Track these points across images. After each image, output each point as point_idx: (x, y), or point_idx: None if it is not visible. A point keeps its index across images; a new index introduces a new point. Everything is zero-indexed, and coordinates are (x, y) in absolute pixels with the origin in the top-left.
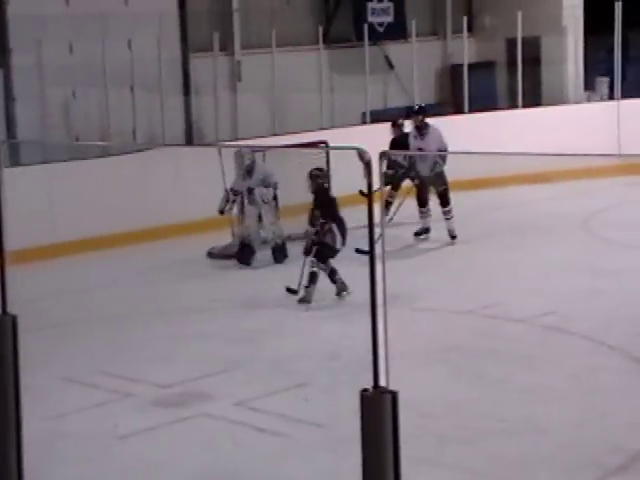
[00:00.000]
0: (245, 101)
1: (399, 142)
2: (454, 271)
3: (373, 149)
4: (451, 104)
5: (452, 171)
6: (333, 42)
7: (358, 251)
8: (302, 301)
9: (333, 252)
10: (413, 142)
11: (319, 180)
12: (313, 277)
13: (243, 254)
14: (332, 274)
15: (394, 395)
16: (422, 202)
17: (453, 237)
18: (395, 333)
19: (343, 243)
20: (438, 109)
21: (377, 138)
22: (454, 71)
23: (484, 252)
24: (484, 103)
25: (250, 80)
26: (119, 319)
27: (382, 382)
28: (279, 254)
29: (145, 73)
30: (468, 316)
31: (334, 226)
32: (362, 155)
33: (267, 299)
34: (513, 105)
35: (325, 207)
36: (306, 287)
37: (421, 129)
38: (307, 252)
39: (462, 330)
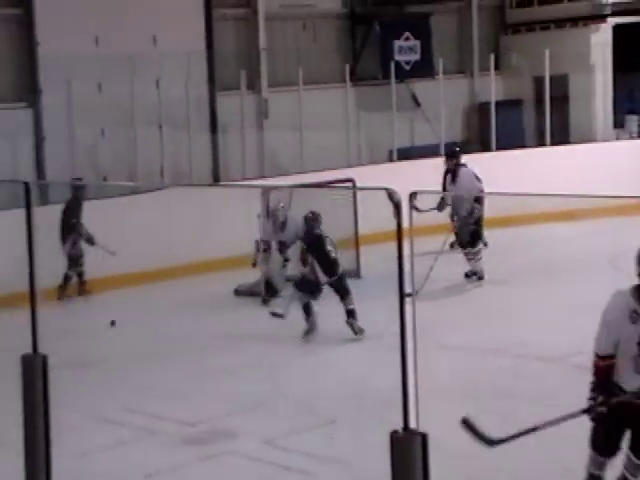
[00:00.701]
0: (272, 139)
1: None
2: (482, 308)
3: (400, 187)
4: (478, 142)
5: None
6: (360, 80)
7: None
8: (306, 334)
9: (313, 286)
10: (448, 186)
11: (310, 222)
12: (305, 309)
13: (268, 292)
14: (306, 308)
15: (424, 437)
16: (464, 244)
17: (480, 278)
18: (422, 371)
19: (328, 279)
20: (465, 147)
21: (404, 176)
22: (481, 109)
23: (513, 290)
24: (511, 141)
25: (277, 118)
26: (145, 356)
27: (412, 424)
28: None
29: (173, 112)
30: (496, 354)
31: (315, 262)
32: (392, 195)
33: (292, 335)
34: (541, 143)
35: (310, 245)
36: (306, 320)
37: (454, 173)
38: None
39: (491, 369)
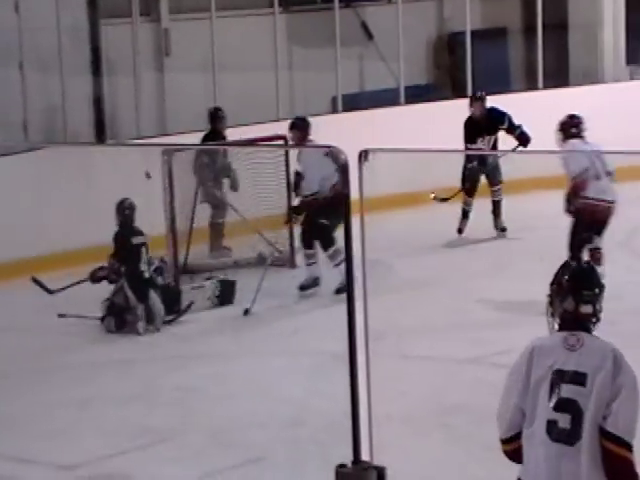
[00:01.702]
0: (175, 83)
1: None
2: (455, 306)
3: (347, 146)
4: (449, 85)
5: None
6: (292, 4)
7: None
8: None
9: None
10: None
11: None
12: None
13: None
14: None
15: (380, 472)
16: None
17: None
18: (380, 390)
19: None
20: (432, 92)
21: (352, 131)
22: (453, 41)
23: (492, 282)
24: (493, 83)
25: (182, 55)
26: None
27: (364, 455)
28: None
29: (39, 47)
30: (474, 366)
31: None
32: (336, 156)
33: (203, 350)
34: (531, 86)
35: None
36: None
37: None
38: None
39: (467, 385)
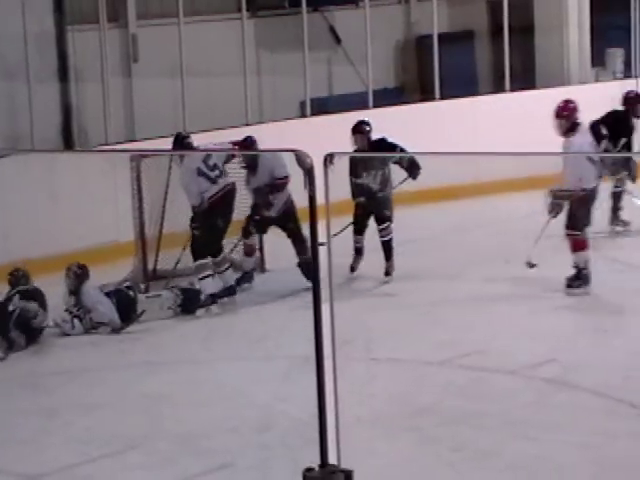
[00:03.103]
0: (143, 89)
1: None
2: (422, 309)
3: (314, 149)
4: (417, 88)
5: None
6: (260, 9)
7: None
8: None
9: None
10: None
11: None
12: None
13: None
14: None
15: (348, 475)
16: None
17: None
18: (347, 393)
19: None
20: (400, 95)
21: (320, 135)
22: (420, 44)
23: (460, 284)
24: (460, 86)
25: (150, 61)
26: None
27: (332, 459)
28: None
29: (5, 53)
30: (442, 368)
31: None
32: (302, 159)
33: (172, 355)
34: (498, 88)
35: None
36: None
37: None
38: None
39: (435, 387)
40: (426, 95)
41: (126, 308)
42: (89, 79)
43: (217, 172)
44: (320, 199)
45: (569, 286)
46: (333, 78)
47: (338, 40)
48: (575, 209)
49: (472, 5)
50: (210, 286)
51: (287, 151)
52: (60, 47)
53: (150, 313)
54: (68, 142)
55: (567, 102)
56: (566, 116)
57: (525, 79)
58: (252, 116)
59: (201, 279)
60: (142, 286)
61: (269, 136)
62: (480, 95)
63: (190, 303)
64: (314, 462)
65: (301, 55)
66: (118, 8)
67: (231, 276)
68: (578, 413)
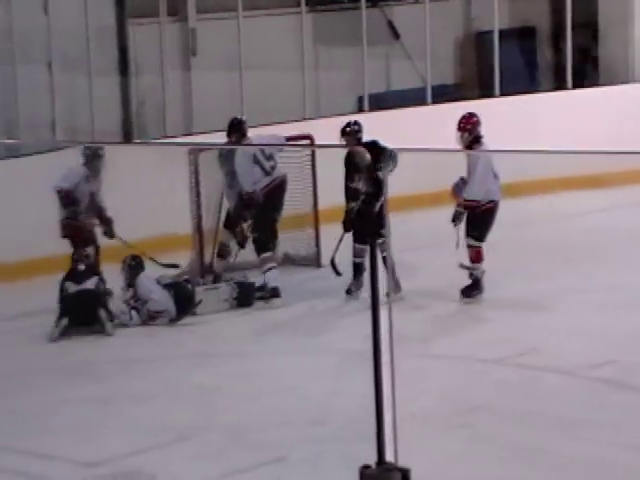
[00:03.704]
0: (201, 82)
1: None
2: (476, 307)
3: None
4: (476, 84)
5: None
6: (319, 3)
7: None
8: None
9: None
10: None
11: None
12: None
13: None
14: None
15: (405, 473)
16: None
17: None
18: (402, 389)
19: None
20: (459, 91)
21: (377, 130)
22: (480, 41)
23: (516, 281)
24: (521, 83)
25: (208, 54)
26: (22, 377)
27: (388, 456)
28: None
29: (67, 47)
30: (497, 366)
31: None
32: (361, 156)
33: (226, 347)
34: (560, 85)
35: None
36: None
37: None
38: None
39: (489, 385)
40: (485, 92)
41: (183, 300)
42: (149, 72)
43: (272, 163)
44: None
45: (466, 296)
46: (391, 73)
47: (396, 35)
48: (479, 220)
49: (533, 1)
50: (274, 279)
51: (344, 147)
52: (120, 41)
53: (206, 306)
54: (127, 135)
55: (470, 115)
56: (469, 129)
57: (588, 76)
58: (309, 111)
59: (265, 272)
60: (200, 280)
61: (326, 131)
62: (540, 92)
63: (246, 296)
64: (367, 458)
65: (359, 50)
66: (177, 2)
67: (273, 276)
68: (633, 414)
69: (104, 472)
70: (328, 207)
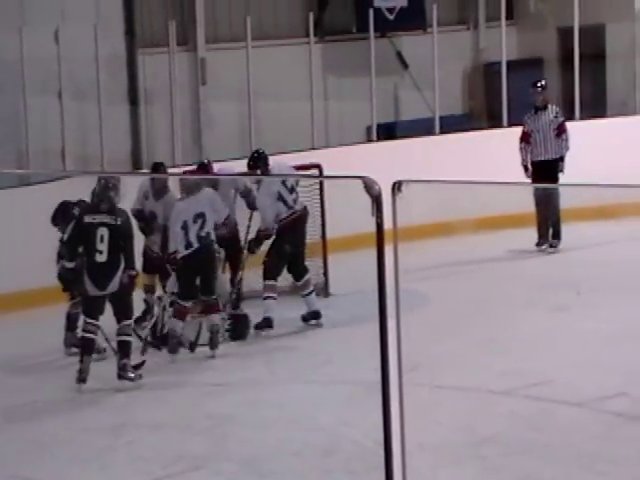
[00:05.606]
0: (211, 111)
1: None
2: (487, 337)
3: (381, 176)
4: (484, 115)
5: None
6: (328, 33)
7: None
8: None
9: None
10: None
11: None
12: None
13: None
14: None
15: None
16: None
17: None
18: (412, 420)
19: None
20: (467, 122)
21: (386, 161)
22: (489, 71)
23: (527, 312)
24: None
25: (218, 84)
26: (32, 405)
27: None
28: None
29: (78, 75)
30: (508, 397)
31: None
32: (370, 186)
33: (236, 378)
34: (568, 116)
35: None
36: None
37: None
38: None
39: (499, 416)
40: (493, 122)
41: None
42: (158, 101)
43: (294, 196)
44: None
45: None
46: (400, 103)
47: (405, 65)
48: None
49: (541, 32)
50: (271, 309)
51: (354, 178)
52: (130, 70)
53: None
54: (136, 163)
55: None
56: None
57: (595, 107)
58: (318, 140)
59: (265, 299)
60: None
61: (335, 161)
62: None
63: (240, 328)
64: None
65: (368, 80)
66: (188, 32)
67: (314, 300)
68: None
69: None
70: (336, 237)
